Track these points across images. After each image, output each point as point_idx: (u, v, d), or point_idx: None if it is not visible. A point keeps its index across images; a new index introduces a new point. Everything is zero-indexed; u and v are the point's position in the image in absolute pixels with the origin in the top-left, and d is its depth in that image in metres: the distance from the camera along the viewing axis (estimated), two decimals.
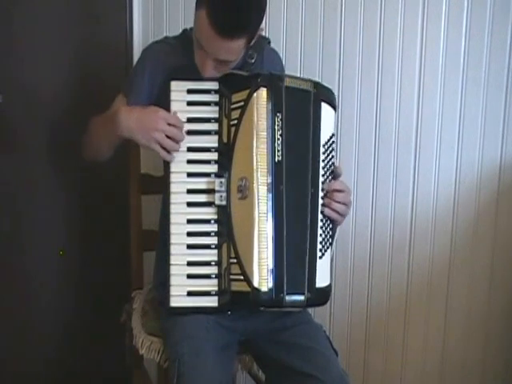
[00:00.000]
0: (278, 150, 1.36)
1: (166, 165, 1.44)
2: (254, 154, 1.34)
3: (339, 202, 1.41)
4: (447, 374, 1.89)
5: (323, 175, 1.41)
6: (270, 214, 1.33)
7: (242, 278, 1.33)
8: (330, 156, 1.44)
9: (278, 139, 1.36)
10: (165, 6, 1.97)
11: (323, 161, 1.41)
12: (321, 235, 1.40)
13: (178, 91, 1.42)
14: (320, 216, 1.40)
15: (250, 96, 1.36)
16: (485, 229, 1.81)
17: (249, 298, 1.32)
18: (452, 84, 1.76)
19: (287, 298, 1.33)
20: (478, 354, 1.86)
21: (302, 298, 1.35)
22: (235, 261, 1.35)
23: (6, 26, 1.75)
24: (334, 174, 1.44)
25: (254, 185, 1.34)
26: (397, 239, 1.86)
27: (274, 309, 1.37)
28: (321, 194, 1.40)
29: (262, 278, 1.31)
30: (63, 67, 1.85)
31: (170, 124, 1.38)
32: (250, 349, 1.50)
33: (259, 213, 1.33)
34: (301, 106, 1.40)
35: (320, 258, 1.39)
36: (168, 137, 1.38)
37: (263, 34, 1.83)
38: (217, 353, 1.35)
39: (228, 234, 1.37)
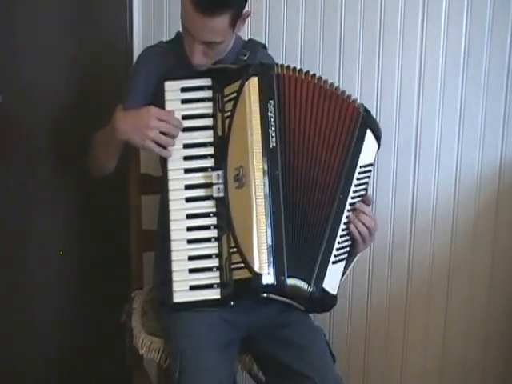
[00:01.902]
0: (272, 137, 1.38)
1: (163, 163, 1.45)
2: (249, 142, 1.37)
3: (364, 225, 1.42)
4: (447, 373, 1.89)
5: (354, 191, 1.43)
6: (267, 199, 1.35)
7: (242, 265, 1.34)
8: (363, 181, 1.45)
9: (272, 126, 1.38)
10: (165, 6, 1.97)
11: (357, 179, 1.43)
12: (339, 243, 1.41)
13: (172, 91, 1.44)
14: (342, 226, 1.41)
15: (241, 86, 1.39)
16: (485, 229, 1.81)
17: (251, 284, 1.33)
18: (452, 84, 1.76)
19: (288, 280, 1.34)
20: (478, 354, 1.86)
21: (305, 286, 1.36)
22: (235, 250, 1.36)
23: (5, 26, 1.75)
24: (364, 200, 1.46)
25: (250, 172, 1.35)
26: (397, 239, 1.86)
27: (277, 297, 1.38)
28: (347, 213, 1.42)
29: (263, 262, 1.33)
30: (63, 67, 1.85)
31: (162, 120, 1.40)
32: (250, 348, 1.50)
33: (256, 198, 1.35)
34: (332, 109, 1.43)
35: (333, 263, 1.40)
36: (163, 133, 1.40)
37: (262, 36, 1.84)
38: (219, 349, 1.35)
39: (227, 224, 1.38)
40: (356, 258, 1.49)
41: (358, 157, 1.43)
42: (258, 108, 1.38)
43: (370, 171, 1.47)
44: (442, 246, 1.83)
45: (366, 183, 1.47)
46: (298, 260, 1.37)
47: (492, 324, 1.84)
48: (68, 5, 1.85)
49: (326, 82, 1.46)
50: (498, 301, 1.82)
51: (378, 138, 1.49)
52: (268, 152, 1.37)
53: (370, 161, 1.48)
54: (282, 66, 1.44)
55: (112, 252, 1.95)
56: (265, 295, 1.37)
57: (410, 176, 1.82)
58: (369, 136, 1.46)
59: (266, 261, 1.33)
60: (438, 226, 1.83)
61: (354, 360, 1.94)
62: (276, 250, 1.34)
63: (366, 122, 1.46)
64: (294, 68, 1.44)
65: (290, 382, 1.39)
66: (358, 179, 1.44)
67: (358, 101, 1.48)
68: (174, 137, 1.41)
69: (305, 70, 1.45)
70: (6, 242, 1.83)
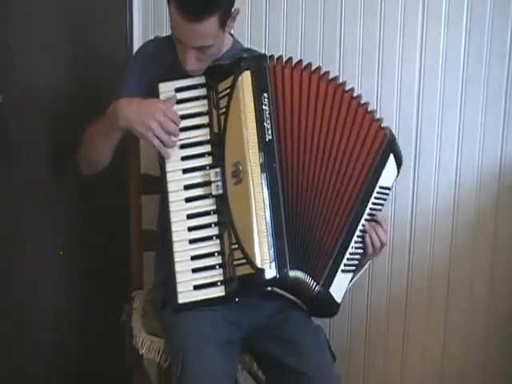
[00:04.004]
0: (268, 129, 1.37)
1: (162, 165, 1.45)
2: (245, 137, 1.36)
3: (379, 239, 1.44)
4: (447, 374, 1.89)
5: (371, 209, 1.43)
6: (265, 193, 1.35)
7: (244, 261, 1.34)
8: (380, 201, 1.46)
9: (267, 118, 1.38)
10: (165, 5, 1.94)
11: (375, 198, 1.44)
12: (351, 253, 1.42)
13: (167, 92, 1.44)
14: (356, 238, 1.42)
15: (235, 81, 1.39)
16: (485, 230, 1.81)
17: (254, 279, 1.33)
18: (452, 84, 1.76)
19: (291, 272, 1.35)
20: (477, 359, 1.86)
21: (310, 280, 1.37)
22: (236, 246, 1.36)
23: (5, 26, 1.75)
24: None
25: (248, 167, 1.35)
26: (397, 240, 1.86)
27: (281, 291, 1.38)
28: (361, 227, 1.42)
29: (264, 257, 1.33)
30: (63, 67, 1.85)
31: (167, 117, 1.40)
32: (250, 346, 1.50)
33: (255, 194, 1.35)
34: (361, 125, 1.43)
35: (342, 271, 1.41)
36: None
37: (262, 36, 1.84)
38: (221, 348, 1.36)
39: (228, 221, 1.38)
40: (361, 271, 1.50)
41: (379, 176, 1.44)
42: (252, 102, 1.37)
43: (387, 194, 1.48)
44: (442, 247, 1.83)
45: (382, 204, 1.47)
46: (302, 252, 1.38)
47: (492, 327, 1.84)
48: (68, 5, 1.85)
49: (327, 73, 1.45)
50: (498, 304, 1.82)
51: (398, 164, 1.49)
52: (264, 145, 1.37)
53: (388, 184, 1.48)
54: (274, 57, 1.43)
55: (112, 252, 1.95)
56: (269, 289, 1.37)
57: (410, 176, 1.82)
58: (391, 160, 1.46)
59: (268, 255, 1.33)
60: (438, 228, 1.83)
61: (353, 361, 1.94)
62: (277, 243, 1.34)
63: (390, 146, 1.46)
64: (289, 58, 1.43)
65: (289, 381, 1.39)
66: (376, 198, 1.44)
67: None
68: (174, 136, 1.41)
69: (300, 61, 1.44)
70: (6, 241, 1.82)
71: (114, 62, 1.94)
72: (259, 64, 1.40)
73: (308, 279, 1.37)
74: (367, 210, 1.43)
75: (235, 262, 1.36)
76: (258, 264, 1.33)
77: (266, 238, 1.34)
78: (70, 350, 1.97)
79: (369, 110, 1.47)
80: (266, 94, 1.38)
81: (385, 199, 1.48)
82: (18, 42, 1.77)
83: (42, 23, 1.80)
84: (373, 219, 1.44)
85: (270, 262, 1.33)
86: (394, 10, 1.77)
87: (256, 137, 1.37)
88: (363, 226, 1.43)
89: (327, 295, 1.39)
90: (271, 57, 1.43)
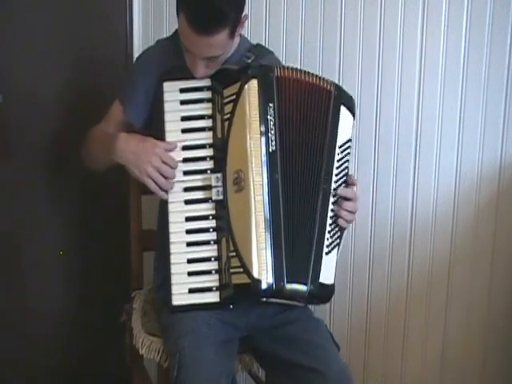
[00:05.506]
0: (272, 140, 1.37)
1: None
2: (248, 146, 1.36)
3: (349, 211, 1.42)
4: (447, 373, 1.89)
5: (337, 175, 1.42)
6: (266, 204, 1.34)
7: (241, 270, 1.33)
8: (345, 160, 1.45)
9: (272, 129, 1.37)
10: (165, 5, 1.97)
11: (338, 161, 1.42)
12: (329, 232, 1.41)
13: (171, 91, 1.43)
14: (330, 213, 1.41)
15: (241, 89, 1.37)
16: (485, 228, 1.80)
17: (250, 289, 1.32)
18: (452, 84, 1.76)
19: (287, 286, 1.34)
20: (477, 353, 1.86)
21: (303, 287, 1.36)
22: (234, 254, 1.35)
23: (5, 26, 1.75)
24: (347, 181, 1.45)
25: (249, 176, 1.35)
26: (397, 239, 1.86)
27: (276, 300, 1.38)
28: (332, 199, 1.41)
29: (261, 268, 1.32)
30: (63, 67, 1.86)
31: (164, 162, 1.39)
32: (250, 346, 1.50)
33: (255, 203, 1.34)
34: (314, 101, 1.41)
35: (326, 254, 1.40)
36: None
37: (262, 36, 1.84)
38: (218, 347, 1.36)
39: (226, 227, 1.37)
40: (343, 237, 1.48)
41: (336, 140, 1.42)
42: (257, 111, 1.36)
43: (349, 147, 1.46)
44: (442, 246, 1.83)
45: (347, 161, 1.45)
46: (297, 264, 1.36)
47: (492, 323, 1.84)
48: (68, 5, 1.85)
49: (323, 79, 1.45)
50: (497, 300, 1.82)
51: (352, 111, 1.47)
52: (268, 156, 1.36)
53: (348, 137, 1.45)
54: (281, 67, 1.42)
55: (112, 252, 1.95)
56: (264, 299, 1.37)
57: (410, 176, 1.82)
58: (343, 112, 1.44)
59: (265, 266, 1.32)
60: (438, 226, 1.83)
61: (353, 361, 1.94)
62: (275, 255, 1.34)
63: (338, 100, 1.43)
64: (295, 69, 1.42)
65: (295, 378, 1.39)
66: (338, 160, 1.42)
67: (329, 80, 1.45)
68: (170, 179, 1.40)
69: (305, 70, 1.44)
70: (6, 241, 1.83)
71: (114, 63, 1.94)
72: (266, 73, 1.39)
73: (301, 287, 1.36)
74: (334, 179, 1.41)
75: (232, 270, 1.36)
76: (255, 274, 1.32)
77: (264, 248, 1.33)
78: (69, 349, 1.97)
79: (322, 77, 1.44)
80: (271, 104, 1.38)
81: (349, 153, 1.45)
82: (18, 42, 1.77)
83: (43, 23, 1.80)
84: (337, 198, 1.41)
85: (267, 274, 1.32)
86: (394, 10, 1.77)
87: (259, 147, 1.36)
88: (333, 196, 1.41)
89: (319, 288, 1.37)
90: (277, 66, 1.42)
